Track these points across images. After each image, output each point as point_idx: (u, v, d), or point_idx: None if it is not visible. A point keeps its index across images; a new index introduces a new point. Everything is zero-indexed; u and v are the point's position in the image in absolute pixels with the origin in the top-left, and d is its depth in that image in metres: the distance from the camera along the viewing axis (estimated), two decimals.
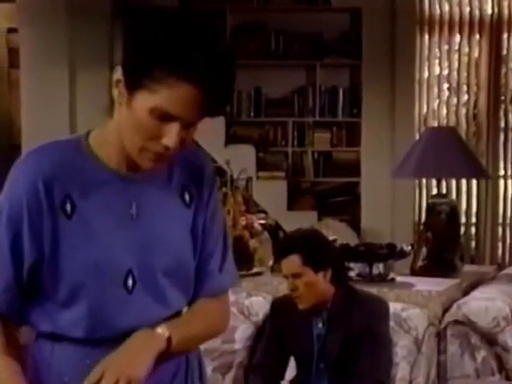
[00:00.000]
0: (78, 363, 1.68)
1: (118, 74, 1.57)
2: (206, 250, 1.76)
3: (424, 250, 4.11)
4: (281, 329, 3.10)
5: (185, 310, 1.79)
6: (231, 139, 6.57)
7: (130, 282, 1.66)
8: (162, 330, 1.64)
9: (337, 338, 2.94)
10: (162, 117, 1.53)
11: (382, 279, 3.82)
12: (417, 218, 6.73)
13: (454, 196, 6.63)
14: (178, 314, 1.75)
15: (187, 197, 1.74)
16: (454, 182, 6.73)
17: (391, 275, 3.87)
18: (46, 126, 6.35)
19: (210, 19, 1.56)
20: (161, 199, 1.71)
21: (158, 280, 1.69)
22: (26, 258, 1.64)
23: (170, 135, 1.55)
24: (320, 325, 2.99)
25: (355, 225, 6.67)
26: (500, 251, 6.91)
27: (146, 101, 1.52)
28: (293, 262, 2.95)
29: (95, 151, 1.68)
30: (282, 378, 3.16)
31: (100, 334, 1.67)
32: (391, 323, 3.13)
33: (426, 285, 3.76)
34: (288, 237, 3.18)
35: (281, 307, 3.14)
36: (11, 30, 7.20)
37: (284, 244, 3.11)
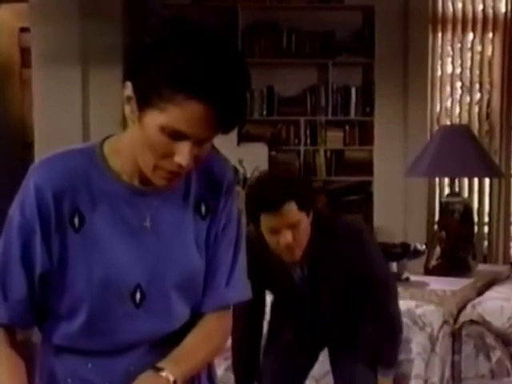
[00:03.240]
0: (80, 367, 1.68)
1: (129, 90, 1.52)
2: (214, 262, 1.72)
3: (438, 249, 4.10)
4: (261, 272, 2.73)
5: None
6: (244, 138, 6.54)
7: (138, 296, 1.64)
8: (166, 374, 1.59)
9: (327, 277, 2.78)
10: (173, 135, 1.48)
11: (396, 278, 3.80)
12: (430, 217, 6.70)
13: (466, 195, 6.59)
14: (182, 327, 1.70)
15: (203, 208, 1.70)
16: (466, 181, 6.70)
17: (405, 274, 3.85)
18: (59, 124, 6.36)
19: (221, 33, 1.49)
20: (175, 213, 1.67)
21: (167, 294, 1.66)
22: (37, 268, 1.62)
23: (183, 153, 1.50)
24: (299, 270, 2.78)
25: (368, 224, 6.65)
26: None
27: (156, 119, 1.48)
28: (290, 209, 2.60)
29: (109, 162, 1.64)
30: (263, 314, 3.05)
31: (103, 346, 1.66)
32: (405, 320, 3.10)
33: (440, 284, 3.75)
34: (274, 184, 2.67)
35: (258, 251, 2.71)
36: (23, 30, 7.22)
37: (276, 192, 2.62)
